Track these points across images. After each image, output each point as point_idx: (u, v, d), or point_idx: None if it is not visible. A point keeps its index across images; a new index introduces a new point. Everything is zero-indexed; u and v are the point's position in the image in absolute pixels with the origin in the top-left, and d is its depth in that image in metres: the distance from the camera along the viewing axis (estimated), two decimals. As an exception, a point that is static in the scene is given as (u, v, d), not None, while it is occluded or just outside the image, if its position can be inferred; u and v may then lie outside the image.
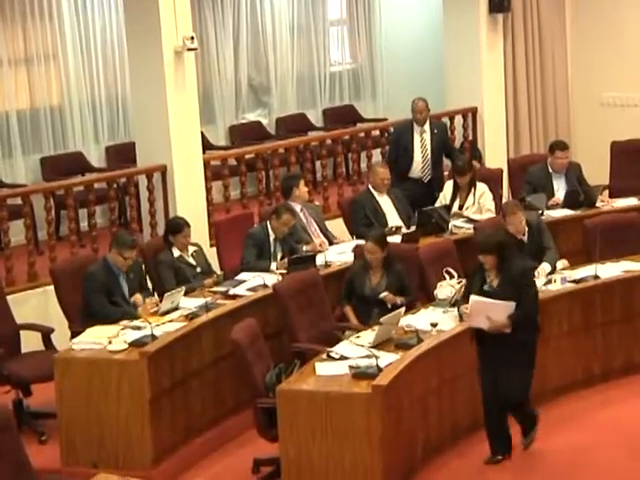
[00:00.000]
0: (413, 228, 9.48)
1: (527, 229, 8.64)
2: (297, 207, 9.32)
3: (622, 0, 12.68)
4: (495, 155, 12.27)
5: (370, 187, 9.83)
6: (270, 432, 6.74)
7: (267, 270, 8.57)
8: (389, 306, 7.96)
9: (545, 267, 8.48)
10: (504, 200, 10.70)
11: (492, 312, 6.82)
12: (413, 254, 8.55)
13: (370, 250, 8.11)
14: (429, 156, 10.46)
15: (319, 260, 8.82)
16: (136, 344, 7.20)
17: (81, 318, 7.96)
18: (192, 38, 9.70)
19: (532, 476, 6.95)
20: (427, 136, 10.51)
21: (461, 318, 7.35)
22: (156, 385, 7.11)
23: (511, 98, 12.63)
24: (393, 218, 9.68)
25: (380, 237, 8.22)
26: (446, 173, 10.86)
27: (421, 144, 10.47)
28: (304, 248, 9.04)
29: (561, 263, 8.66)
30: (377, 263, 8.11)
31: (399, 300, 7.98)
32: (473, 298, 6.92)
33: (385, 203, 9.74)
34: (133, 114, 10.67)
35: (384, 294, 8.02)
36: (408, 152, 10.44)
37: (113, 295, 7.95)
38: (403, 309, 7.52)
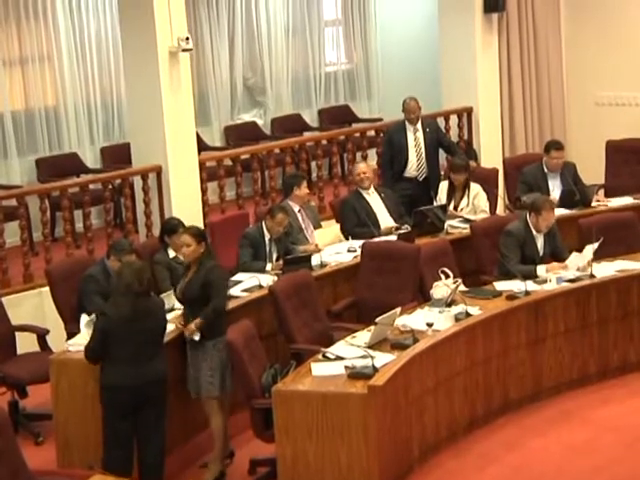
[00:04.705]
0: (406, 227, 9.47)
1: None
2: (295, 207, 9.31)
3: (617, 0, 12.69)
4: (490, 155, 12.26)
5: (357, 188, 9.82)
6: (266, 433, 6.74)
7: (262, 271, 8.56)
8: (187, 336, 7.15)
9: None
10: (499, 200, 10.74)
11: None
12: (415, 254, 8.51)
13: (184, 242, 7.15)
14: (423, 155, 10.46)
15: (315, 260, 8.81)
16: (132, 345, 7.17)
17: (74, 319, 7.95)
18: (187, 39, 9.70)
19: (528, 475, 6.94)
20: (420, 135, 10.51)
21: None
22: (152, 386, 7.08)
23: (506, 98, 12.62)
24: (384, 217, 9.66)
25: (198, 231, 7.26)
26: (442, 173, 10.85)
27: (415, 143, 10.47)
28: (300, 248, 9.03)
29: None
30: (190, 258, 7.17)
31: (197, 336, 7.06)
32: None
33: (375, 202, 9.71)
34: (128, 115, 10.68)
35: (190, 326, 7.10)
36: (402, 152, 10.43)
37: (109, 298, 7.93)
38: (398, 309, 7.43)
